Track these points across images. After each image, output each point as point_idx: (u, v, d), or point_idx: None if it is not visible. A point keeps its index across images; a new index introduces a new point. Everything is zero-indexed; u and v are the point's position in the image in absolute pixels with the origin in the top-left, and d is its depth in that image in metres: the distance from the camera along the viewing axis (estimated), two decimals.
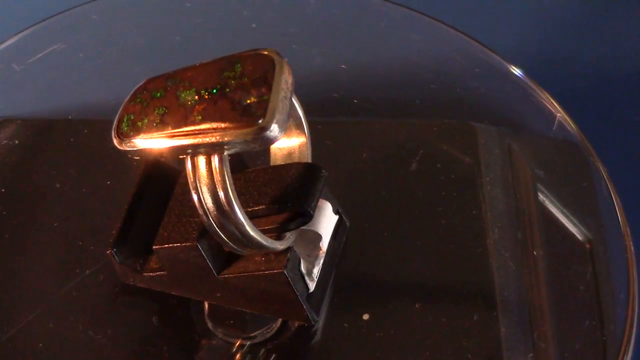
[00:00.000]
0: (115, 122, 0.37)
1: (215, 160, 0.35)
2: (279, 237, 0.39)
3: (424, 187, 0.46)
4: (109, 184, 0.45)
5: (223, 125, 0.35)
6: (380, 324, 0.42)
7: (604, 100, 0.63)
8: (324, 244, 0.41)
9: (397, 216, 0.45)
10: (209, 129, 0.35)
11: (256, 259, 0.39)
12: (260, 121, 0.34)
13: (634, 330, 0.42)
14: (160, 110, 0.36)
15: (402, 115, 0.49)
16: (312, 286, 0.40)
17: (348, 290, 0.42)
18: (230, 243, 0.37)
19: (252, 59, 0.36)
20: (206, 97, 0.35)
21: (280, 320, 0.42)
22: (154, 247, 0.39)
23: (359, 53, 0.51)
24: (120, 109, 0.37)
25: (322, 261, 0.41)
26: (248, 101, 0.35)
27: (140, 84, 0.37)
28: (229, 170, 0.36)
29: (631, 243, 0.44)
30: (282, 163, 0.40)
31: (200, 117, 0.35)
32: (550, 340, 0.43)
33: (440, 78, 0.50)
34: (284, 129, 0.35)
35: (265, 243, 0.37)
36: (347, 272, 0.43)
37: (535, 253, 0.45)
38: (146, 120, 0.36)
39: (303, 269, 0.40)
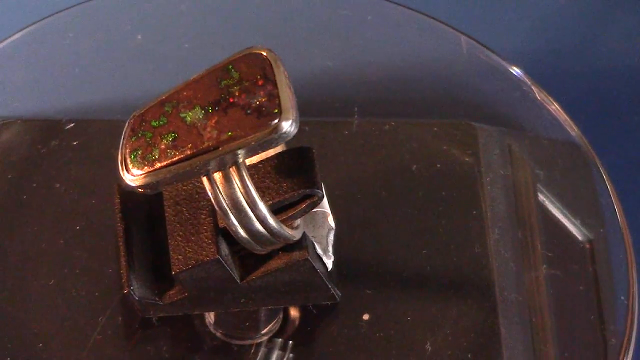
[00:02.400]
0: (119, 164, 0.36)
1: (233, 168, 0.36)
2: (291, 227, 0.39)
3: (424, 187, 0.46)
4: (109, 186, 0.45)
5: (243, 131, 0.35)
6: (380, 324, 0.42)
7: (604, 101, 0.63)
8: (331, 220, 0.41)
9: (398, 216, 0.45)
10: (229, 138, 0.35)
11: (273, 255, 0.39)
12: (277, 119, 0.35)
13: (634, 330, 0.42)
14: (170, 136, 0.36)
15: (402, 115, 0.49)
16: (330, 264, 0.41)
17: (348, 290, 0.42)
18: (258, 246, 0.38)
19: (244, 60, 0.36)
20: (214, 110, 0.36)
21: (280, 321, 0.42)
22: (174, 272, 0.39)
23: (359, 53, 0.51)
24: (120, 149, 0.36)
25: (332, 237, 0.41)
26: (257, 102, 0.35)
27: (132, 118, 0.37)
28: (247, 173, 0.36)
29: (631, 243, 0.44)
30: (259, 160, 0.40)
31: (216, 132, 0.35)
32: (550, 340, 0.43)
33: (440, 78, 0.50)
34: (299, 119, 0.35)
35: (289, 235, 0.38)
36: (347, 272, 0.43)
37: (535, 253, 0.45)
38: (157, 151, 0.36)
39: (319, 250, 0.40)
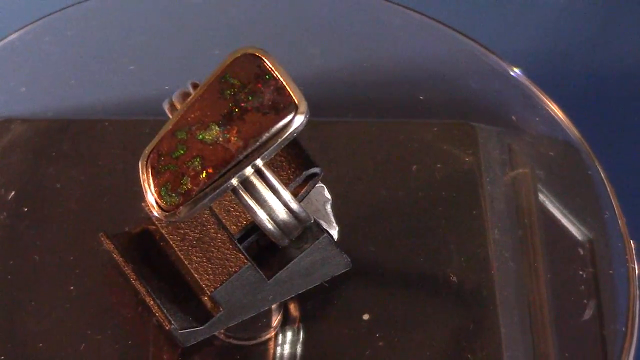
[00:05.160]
0: (150, 204, 0.36)
1: (258, 172, 0.37)
2: None
3: (424, 187, 0.46)
4: (110, 186, 0.45)
5: (267, 131, 0.36)
6: (380, 324, 0.42)
7: (603, 101, 0.63)
8: (326, 192, 0.42)
9: (397, 216, 0.45)
10: (257, 141, 0.36)
11: (289, 244, 0.39)
12: (294, 111, 0.36)
13: (635, 330, 0.42)
14: (196, 161, 0.36)
15: (402, 115, 0.49)
16: (335, 234, 0.42)
17: (348, 290, 0.42)
18: (285, 236, 0.38)
19: (237, 65, 0.37)
20: (230, 122, 0.36)
21: (280, 320, 0.42)
22: (210, 292, 0.39)
23: (359, 53, 0.51)
24: (146, 191, 0.36)
25: (330, 208, 0.42)
26: (269, 99, 0.36)
27: (145, 157, 0.37)
28: (269, 170, 0.37)
29: (631, 243, 0.44)
30: None
31: (241, 141, 0.36)
32: (550, 340, 0.43)
33: (440, 78, 0.50)
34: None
35: (309, 216, 0.38)
36: (347, 272, 0.43)
37: (535, 253, 0.45)
38: (188, 179, 0.36)
39: (323, 224, 0.41)
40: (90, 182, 0.45)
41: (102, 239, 0.41)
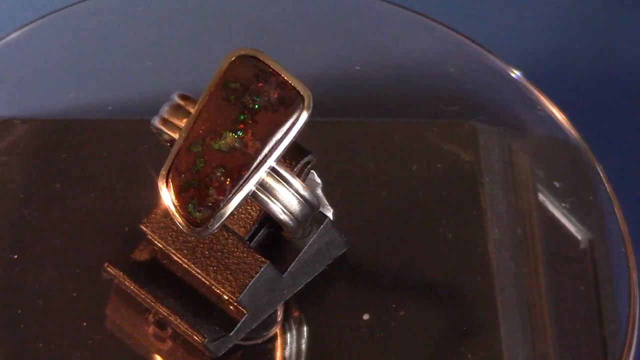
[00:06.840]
0: (179, 222, 0.36)
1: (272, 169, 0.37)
2: None
3: (424, 187, 0.46)
4: (110, 186, 0.45)
5: (282, 128, 0.36)
6: (380, 324, 0.42)
7: (603, 101, 0.63)
8: (317, 177, 0.42)
9: (398, 216, 0.45)
10: (273, 139, 0.36)
11: (297, 236, 0.39)
12: (301, 102, 0.36)
13: (635, 330, 0.42)
14: (218, 171, 0.36)
15: (402, 115, 0.49)
16: (331, 216, 0.42)
17: (348, 290, 0.42)
18: (301, 226, 0.38)
19: (234, 69, 0.37)
20: (243, 126, 0.36)
21: (280, 320, 0.42)
22: (237, 299, 0.39)
23: (359, 53, 0.51)
24: (173, 211, 0.36)
25: (321, 191, 0.42)
26: (274, 96, 0.36)
27: (165, 177, 0.36)
28: (281, 165, 0.37)
29: (631, 243, 0.44)
30: None
31: (258, 142, 0.36)
32: (550, 340, 0.43)
33: (440, 79, 0.50)
34: None
35: (319, 204, 0.39)
36: (347, 272, 0.43)
37: (535, 253, 0.45)
38: (213, 191, 0.36)
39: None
40: (90, 183, 0.45)
41: (109, 269, 0.40)
